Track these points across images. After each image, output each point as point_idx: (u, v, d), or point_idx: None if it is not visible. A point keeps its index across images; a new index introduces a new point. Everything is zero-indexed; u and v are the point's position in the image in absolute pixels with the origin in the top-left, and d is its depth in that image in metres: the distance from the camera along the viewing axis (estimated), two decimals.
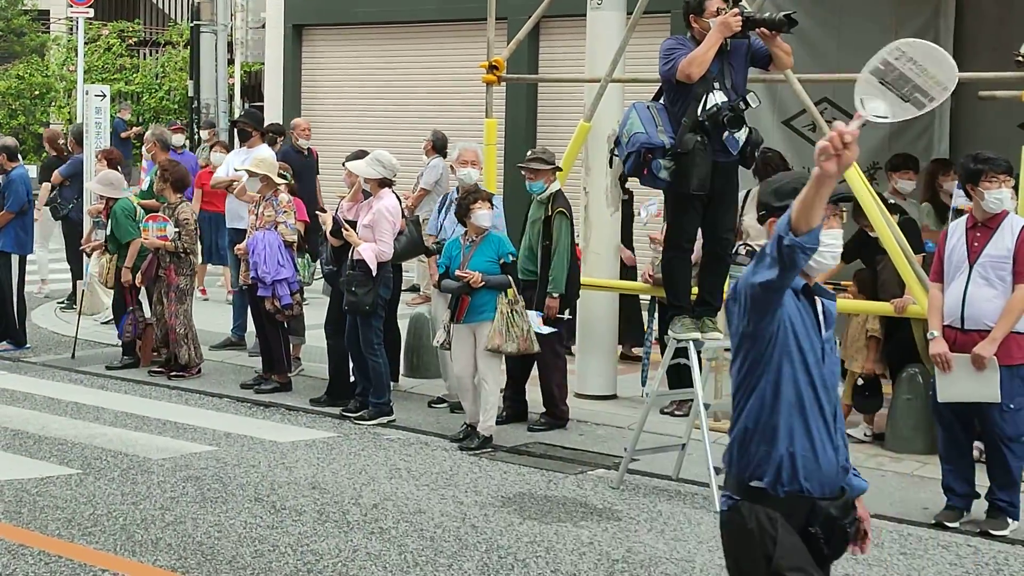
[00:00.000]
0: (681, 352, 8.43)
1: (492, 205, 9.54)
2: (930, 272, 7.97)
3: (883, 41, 4.37)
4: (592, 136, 10.54)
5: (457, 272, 9.33)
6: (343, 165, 10.50)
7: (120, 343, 12.13)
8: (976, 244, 7.59)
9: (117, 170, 13.20)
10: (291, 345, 11.45)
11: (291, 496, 8.01)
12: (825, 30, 12.14)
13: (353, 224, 10.06)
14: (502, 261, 9.33)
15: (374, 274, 9.89)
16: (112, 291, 12.42)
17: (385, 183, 10.07)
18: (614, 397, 11.02)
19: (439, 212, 10.65)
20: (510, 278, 9.32)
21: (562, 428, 9.99)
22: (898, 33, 11.80)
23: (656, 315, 10.64)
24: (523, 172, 10.00)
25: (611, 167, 9.13)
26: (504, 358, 9.54)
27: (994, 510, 7.68)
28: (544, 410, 10.12)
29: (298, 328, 11.57)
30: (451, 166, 10.77)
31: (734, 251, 9.76)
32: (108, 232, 12.04)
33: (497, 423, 9.71)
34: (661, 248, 9.17)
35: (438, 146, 15.22)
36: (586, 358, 11.09)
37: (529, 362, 10.00)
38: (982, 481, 7.78)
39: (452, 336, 9.44)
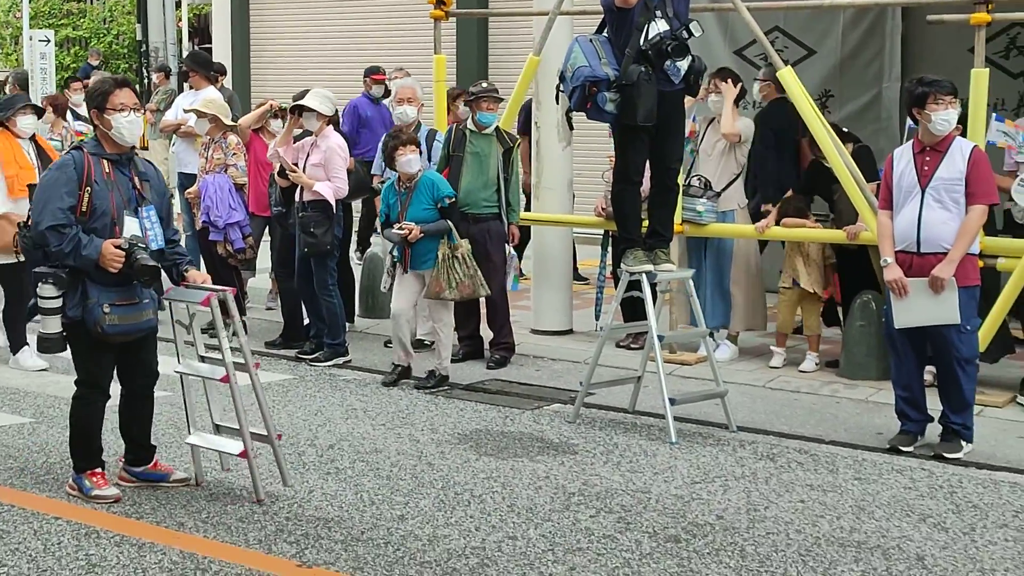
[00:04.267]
0: (634, 285, 8.41)
1: (418, 148, 9.39)
2: (878, 199, 7.96)
3: None
4: (542, 70, 10.46)
5: (396, 226, 9.20)
6: (291, 104, 10.32)
7: None
8: (926, 168, 7.57)
9: (64, 117, 13.02)
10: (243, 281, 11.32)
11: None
12: None
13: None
14: (439, 205, 9.23)
15: (334, 212, 9.82)
16: None
17: (330, 120, 9.98)
18: (570, 332, 11.03)
19: (382, 152, 10.53)
20: (449, 223, 9.22)
21: (510, 360, 10.04)
22: None
23: (609, 249, 10.62)
24: (482, 103, 9.88)
25: (558, 103, 9.06)
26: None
27: (948, 433, 7.73)
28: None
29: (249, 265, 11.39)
30: (390, 104, 10.66)
31: (686, 183, 9.76)
32: None
33: (453, 362, 9.71)
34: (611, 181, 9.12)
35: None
36: (541, 294, 11.07)
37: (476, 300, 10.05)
38: (935, 405, 7.82)
39: (396, 281, 9.35)
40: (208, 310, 6.77)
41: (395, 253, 9.32)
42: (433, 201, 9.19)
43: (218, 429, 7.19)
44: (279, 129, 10.82)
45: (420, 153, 9.41)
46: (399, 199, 9.29)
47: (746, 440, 8.05)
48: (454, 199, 9.33)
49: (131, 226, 6.61)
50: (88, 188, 6.52)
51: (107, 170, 6.62)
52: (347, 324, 10.52)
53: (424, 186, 9.23)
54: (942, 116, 7.48)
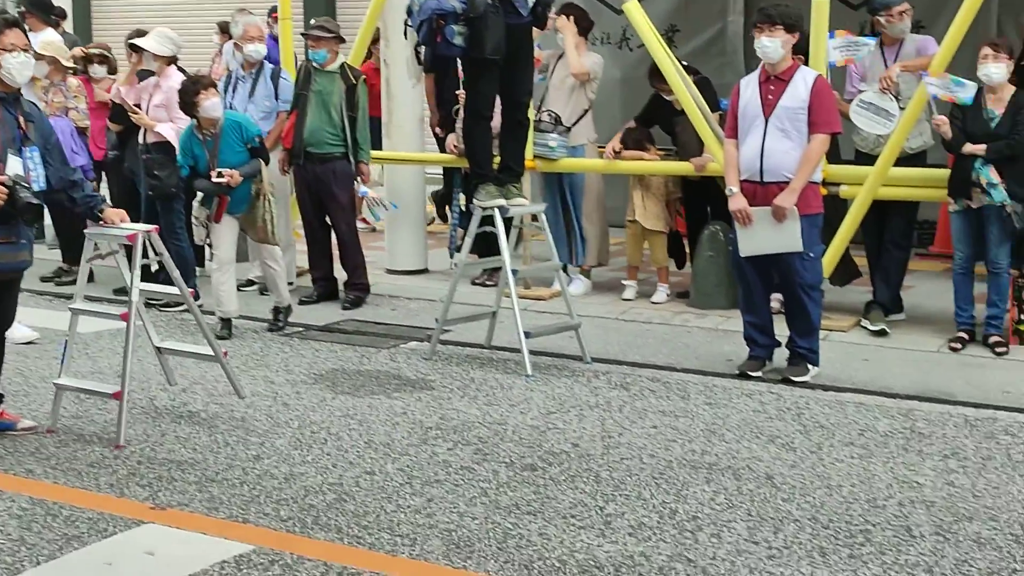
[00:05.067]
0: (488, 220, 8.42)
1: (218, 91, 9.12)
2: (725, 128, 8.05)
3: None
4: (389, 6, 10.37)
5: (214, 175, 8.80)
6: (126, 44, 10.11)
7: None
8: (771, 97, 7.66)
9: None
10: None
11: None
12: None
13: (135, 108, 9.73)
14: (250, 146, 8.97)
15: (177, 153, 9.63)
16: None
17: (172, 61, 9.77)
18: (425, 271, 11.02)
19: (224, 92, 10.28)
20: (261, 162, 9.00)
21: (366, 301, 10.02)
22: None
23: (462, 186, 10.61)
24: (308, 40, 9.79)
25: (406, 38, 8.99)
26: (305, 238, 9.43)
27: (795, 357, 7.90)
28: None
29: None
30: (236, 43, 10.48)
31: (537, 117, 9.77)
32: None
33: (308, 303, 9.64)
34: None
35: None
36: (395, 234, 11.03)
37: (328, 241, 9.99)
38: (783, 331, 7.99)
39: (215, 231, 9.08)
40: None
41: (207, 203, 9.07)
42: (243, 142, 8.99)
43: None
44: (102, 75, 10.63)
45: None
46: (205, 147, 8.95)
47: (600, 370, 8.15)
48: (262, 137, 9.18)
49: (14, 165, 6.48)
50: None
51: None
52: (197, 268, 10.35)
53: (230, 129, 8.92)
54: (762, 43, 7.59)
